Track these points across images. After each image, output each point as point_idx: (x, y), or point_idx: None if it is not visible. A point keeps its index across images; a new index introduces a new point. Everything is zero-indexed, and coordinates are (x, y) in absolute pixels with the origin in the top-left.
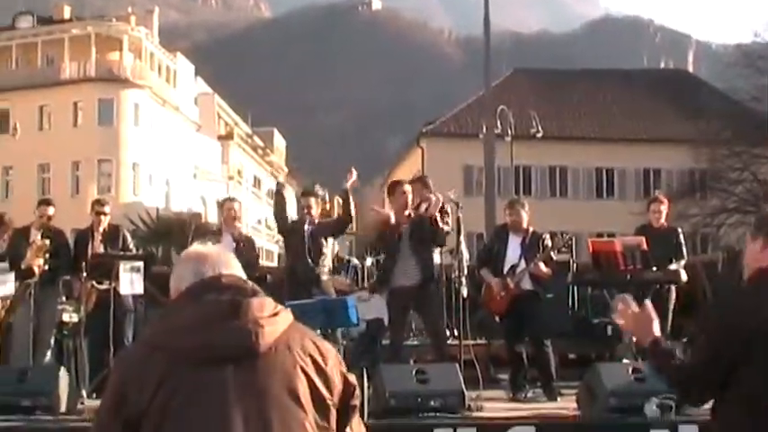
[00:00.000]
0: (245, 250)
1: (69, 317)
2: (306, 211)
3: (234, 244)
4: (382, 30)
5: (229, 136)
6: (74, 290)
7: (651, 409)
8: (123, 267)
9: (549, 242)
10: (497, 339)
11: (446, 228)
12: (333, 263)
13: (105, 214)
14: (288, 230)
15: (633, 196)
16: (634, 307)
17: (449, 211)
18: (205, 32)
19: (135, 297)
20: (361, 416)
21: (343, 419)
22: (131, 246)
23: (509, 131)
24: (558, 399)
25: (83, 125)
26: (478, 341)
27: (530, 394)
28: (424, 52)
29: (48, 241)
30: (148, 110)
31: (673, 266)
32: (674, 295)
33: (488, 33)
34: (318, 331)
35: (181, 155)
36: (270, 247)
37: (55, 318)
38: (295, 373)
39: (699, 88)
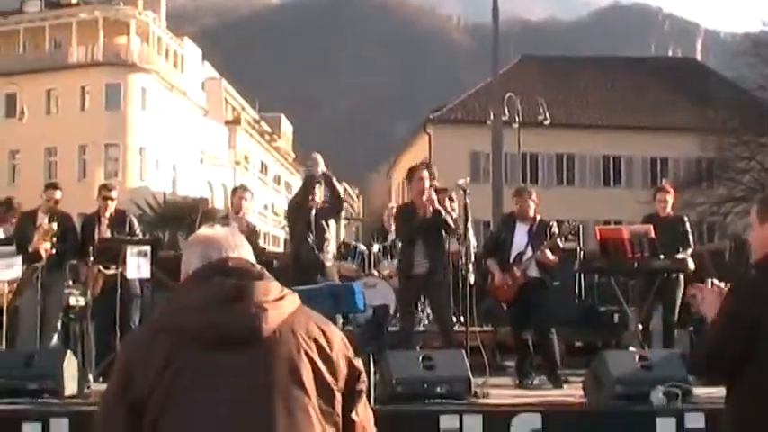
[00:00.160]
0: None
1: (76, 301)
2: (310, 196)
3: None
4: (390, 16)
5: (236, 121)
6: (80, 274)
7: (657, 396)
8: (130, 252)
9: (556, 229)
10: (504, 326)
11: (453, 214)
12: (339, 249)
13: (112, 199)
14: (295, 215)
15: (640, 184)
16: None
17: (454, 197)
18: (213, 17)
19: (142, 281)
20: (368, 401)
21: (349, 404)
22: (138, 231)
23: (516, 118)
24: (564, 386)
25: (90, 109)
26: (485, 328)
27: (536, 381)
28: (431, 39)
29: (55, 225)
30: (156, 94)
31: (680, 255)
32: (682, 284)
33: (497, 20)
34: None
35: (188, 140)
36: (276, 232)
37: (62, 301)
38: (299, 357)
39: (707, 77)
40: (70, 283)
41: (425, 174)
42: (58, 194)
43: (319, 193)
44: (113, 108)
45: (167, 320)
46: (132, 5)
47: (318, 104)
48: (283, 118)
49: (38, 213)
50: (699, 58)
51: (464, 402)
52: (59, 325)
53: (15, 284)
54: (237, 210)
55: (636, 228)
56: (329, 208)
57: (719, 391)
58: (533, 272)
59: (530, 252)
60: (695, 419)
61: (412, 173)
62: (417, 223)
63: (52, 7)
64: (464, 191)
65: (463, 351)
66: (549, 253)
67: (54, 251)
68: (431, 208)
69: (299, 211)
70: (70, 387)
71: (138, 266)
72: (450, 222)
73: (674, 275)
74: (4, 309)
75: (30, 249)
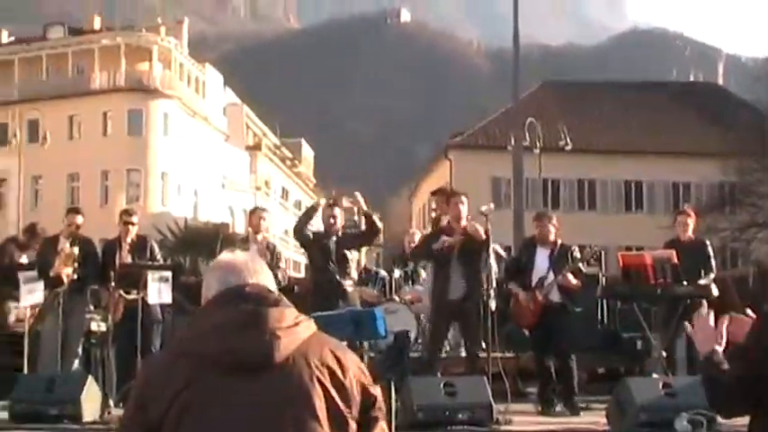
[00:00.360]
0: (271, 260)
1: (97, 326)
2: (331, 222)
3: (259, 251)
4: (411, 41)
5: (257, 146)
6: (102, 299)
7: (682, 424)
8: (151, 277)
9: (578, 254)
10: (526, 352)
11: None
12: (360, 274)
13: (133, 224)
14: (309, 243)
15: (662, 209)
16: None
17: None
18: (234, 43)
19: (163, 307)
20: (389, 429)
21: (364, 431)
22: (158, 256)
23: (537, 144)
24: (584, 413)
25: (112, 135)
26: (507, 354)
27: (558, 408)
28: (451, 63)
29: (76, 250)
30: (177, 120)
31: (703, 281)
32: (705, 310)
33: (518, 46)
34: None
35: (209, 165)
36: (297, 257)
37: (83, 327)
38: (311, 385)
39: (728, 101)
40: (91, 308)
41: (464, 200)
42: (79, 219)
43: (340, 219)
44: (135, 133)
45: (187, 345)
46: (154, 32)
47: (338, 128)
48: (304, 143)
49: (59, 238)
50: (720, 82)
51: (486, 429)
52: (80, 350)
53: (37, 309)
54: (257, 230)
55: (658, 253)
56: (360, 235)
57: (745, 420)
58: (555, 296)
59: (551, 276)
60: None
61: (448, 198)
62: (449, 250)
63: (75, 34)
64: (486, 216)
65: (485, 377)
66: (570, 277)
67: (75, 276)
68: (481, 234)
69: (317, 237)
70: (90, 412)
71: (159, 292)
72: (501, 251)
73: (697, 301)
74: (26, 333)
75: (51, 274)
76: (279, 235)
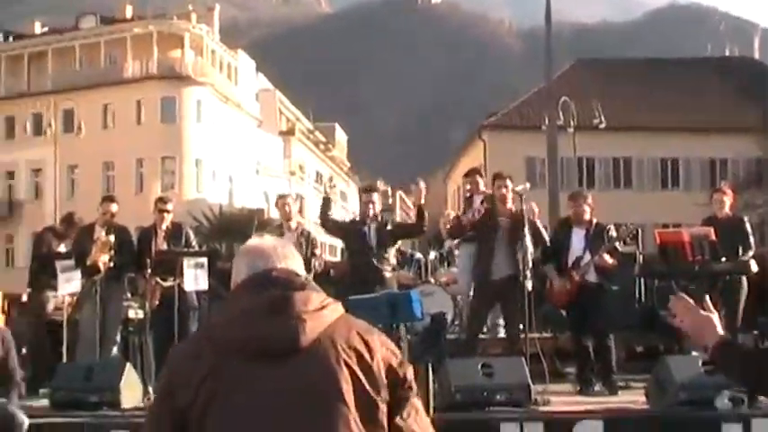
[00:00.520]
0: (306, 247)
1: (135, 313)
2: (369, 206)
3: (294, 239)
4: (442, 22)
5: (291, 132)
6: (138, 287)
7: (723, 402)
8: (187, 264)
9: (614, 233)
10: (563, 332)
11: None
12: (396, 258)
13: (168, 212)
14: (340, 230)
15: (699, 187)
16: (692, 305)
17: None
18: (265, 28)
19: (199, 293)
20: (426, 411)
21: (395, 411)
22: (194, 243)
23: (571, 123)
24: (623, 392)
25: (146, 123)
26: (544, 334)
27: (597, 388)
28: (484, 44)
29: (112, 238)
30: (210, 107)
31: (742, 257)
32: (745, 287)
33: (550, 25)
34: (381, 326)
35: (243, 151)
36: (333, 241)
37: (120, 314)
38: (338, 368)
39: (764, 75)
40: (128, 295)
41: (508, 183)
42: (114, 207)
43: (378, 205)
44: (169, 121)
45: (215, 332)
46: (185, 19)
47: (371, 111)
48: (337, 127)
49: (95, 227)
50: (756, 56)
51: (524, 410)
52: (118, 338)
53: (75, 298)
54: (287, 217)
55: (696, 230)
56: (407, 228)
57: None
58: (592, 276)
59: (588, 256)
60: (763, 426)
61: (494, 180)
62: (496, 231)
63: (107, 23)
64: (520, 197)
65: (523, 358)
66: (607, 257)
67: (112, 264)
68: (528, 217)
69: (352, 223)
70: (129, 399)
71: (195, 278)
72: (545, 235)
73: (737, 278)
74: (65, 322)
75: (88, 263)
76: (314, 219)
